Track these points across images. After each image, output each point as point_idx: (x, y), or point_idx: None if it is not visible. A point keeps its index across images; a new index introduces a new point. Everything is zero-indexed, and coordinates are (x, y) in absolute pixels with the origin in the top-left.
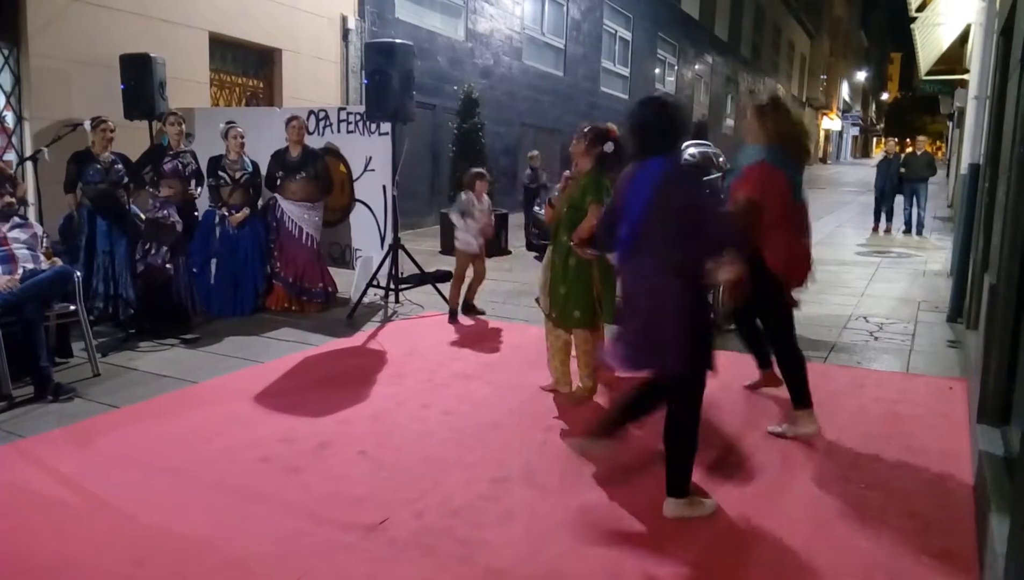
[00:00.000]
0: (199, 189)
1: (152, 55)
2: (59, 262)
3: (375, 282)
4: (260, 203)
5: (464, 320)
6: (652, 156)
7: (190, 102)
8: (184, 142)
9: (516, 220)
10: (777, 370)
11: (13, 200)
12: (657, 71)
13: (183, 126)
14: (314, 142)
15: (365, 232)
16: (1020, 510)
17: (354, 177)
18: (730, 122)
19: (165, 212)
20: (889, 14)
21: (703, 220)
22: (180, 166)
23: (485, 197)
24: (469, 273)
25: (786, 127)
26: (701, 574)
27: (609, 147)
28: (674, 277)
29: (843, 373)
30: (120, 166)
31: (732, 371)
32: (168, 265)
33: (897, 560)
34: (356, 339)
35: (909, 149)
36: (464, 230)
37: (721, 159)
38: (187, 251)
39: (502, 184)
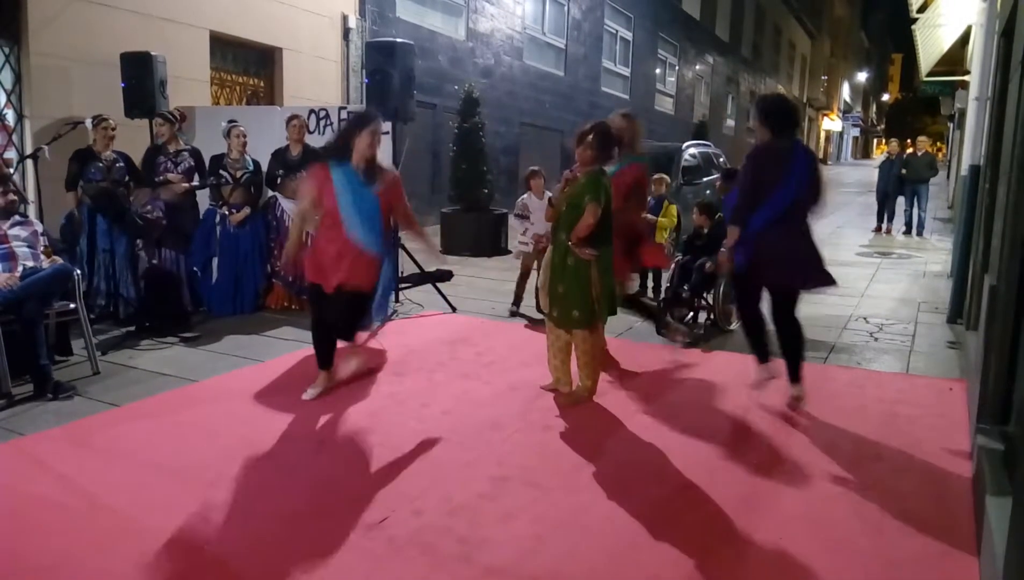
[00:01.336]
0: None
1: (153, 53)
2: (59, 260)
3: None
4: (261, 202)
5: (470, 318)
6: (790, 138)
7: (191, 101)
8: (181, 140)
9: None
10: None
11: (15, 198)
12: (658, 71)
13: (173, 125)
14: (315, 141)
15: None
16: (1020, 511)
17: None
18: (731, 123)
19: (149, 207)
20: (890, 15)
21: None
22: (171, 165)
23: (546, 193)
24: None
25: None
26: (701, 574)
27: (615, 152)
28: (808, 224)
29: (843, 373)
30: (122, 165)
31: (732, 371)
32: (154, 261)
33: (897, 560)
34: (356, 338)
35: (910, 150)
36: (521, 232)
37: (721, 159)
38: (179, 247)
39: (502, 184)
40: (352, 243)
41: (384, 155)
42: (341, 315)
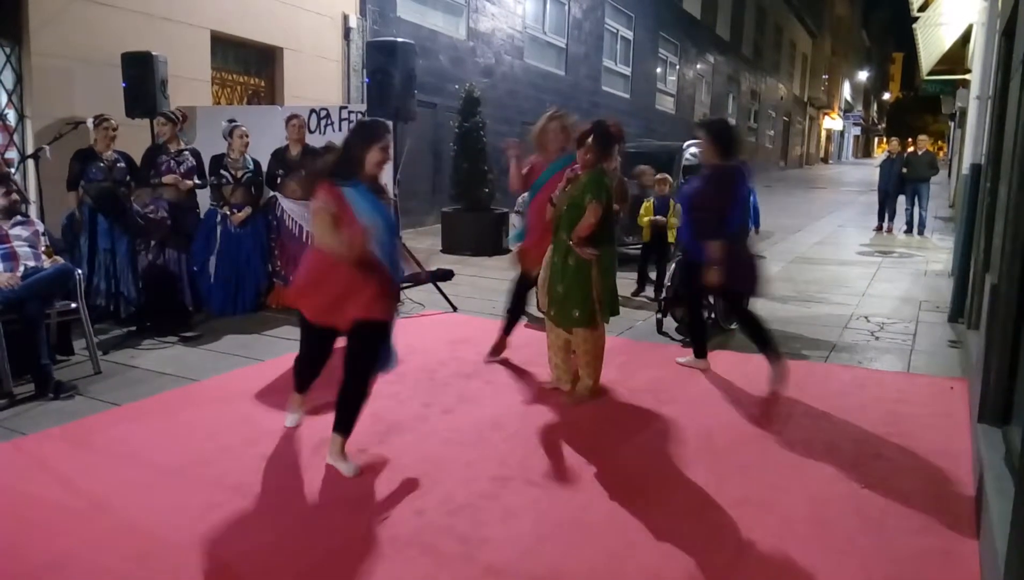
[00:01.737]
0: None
1: (154, 53)
2: (60, 260)
3: None
4: (262, 201)
5: (470, 318)
6: (736, 159)
7: (192, 101)
8: (182, 140)
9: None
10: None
11: (18, 198)
12: (659, 70)
13: (175, 125)
14: (315, 141)
15: None
16: (1021, 510)
17: None
18: (732, 122)
19: (152, 207)
20: (891, 14)
21: None
22: (174, 165)
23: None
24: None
25: None
26: (701, 574)
27: (616, 150)
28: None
29: (844, 372)
30: (123, 164)
31: (732, 371)
32: (158, 261)
33: (897, 560)
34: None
35: (911, 149)
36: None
37: None
38: (180, 247)
39: (503, 183)
40: (371, 267)
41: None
42: (364, 352)
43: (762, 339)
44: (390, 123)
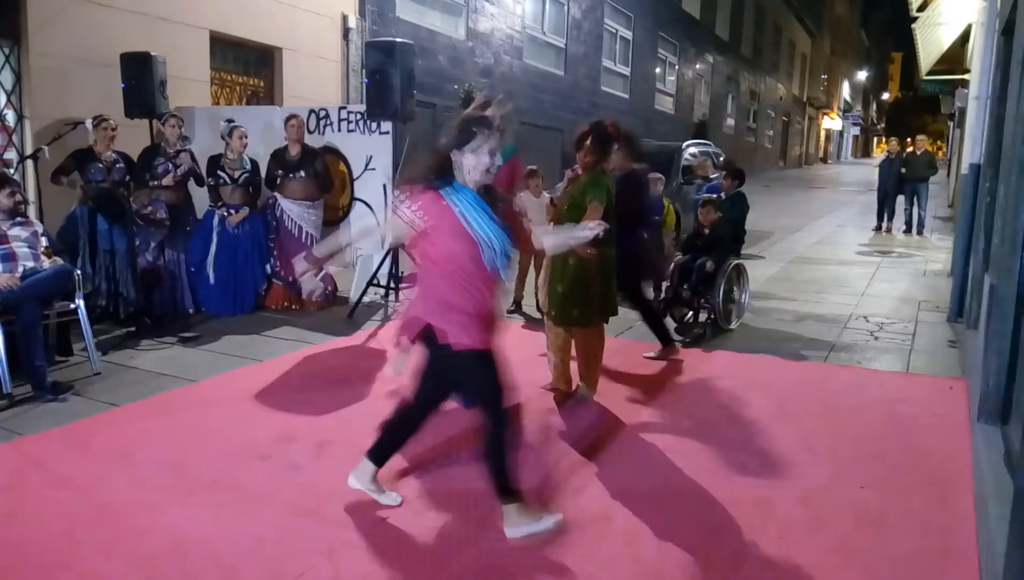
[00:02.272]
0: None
1: (153, 54)
2: (59, 261)
3: (375, 281)
4: (260, 202)
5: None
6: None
7: (190, 101)
8: (180, 143)
9: None
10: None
11: (23, 199)
12: (658, 70)
13: (181, 128)
14: (315, 141)
15: None
16: (1020, 510)
17: (354, 176)
18: (731, 121)
19: (152, 208)
20: (890, 14)
21: None
22: (172, 167)
23: (544, 193)
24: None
25: None
26: (701, 573)
27: (615, 148)
28: None
29: (843, 372)
30: (122, 165)
31: (732, 371)
32: (157, 262)
33: (897, 560)
34: (356, 338)
35: (910, 149)
36: None
37: (722, 158)
38: (179, 247)
39: None
40: (497, 280)
41: (384, 155)
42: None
43: (655, 326)
44: (384, 120)
